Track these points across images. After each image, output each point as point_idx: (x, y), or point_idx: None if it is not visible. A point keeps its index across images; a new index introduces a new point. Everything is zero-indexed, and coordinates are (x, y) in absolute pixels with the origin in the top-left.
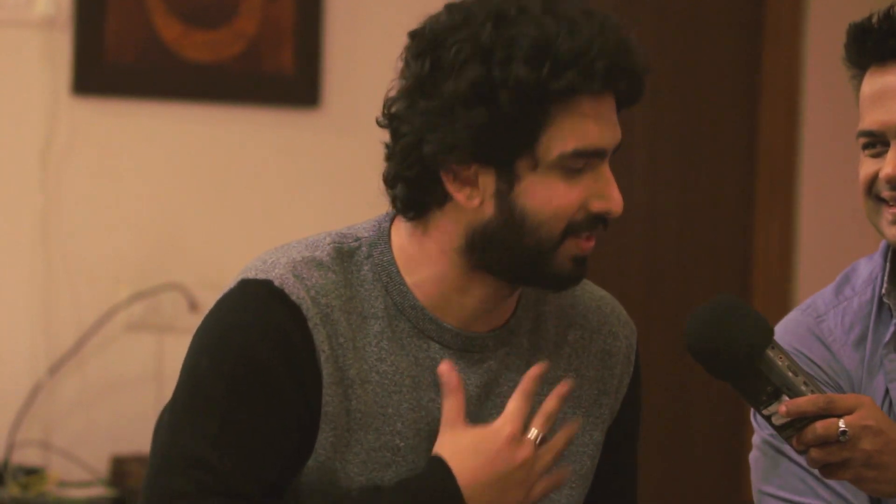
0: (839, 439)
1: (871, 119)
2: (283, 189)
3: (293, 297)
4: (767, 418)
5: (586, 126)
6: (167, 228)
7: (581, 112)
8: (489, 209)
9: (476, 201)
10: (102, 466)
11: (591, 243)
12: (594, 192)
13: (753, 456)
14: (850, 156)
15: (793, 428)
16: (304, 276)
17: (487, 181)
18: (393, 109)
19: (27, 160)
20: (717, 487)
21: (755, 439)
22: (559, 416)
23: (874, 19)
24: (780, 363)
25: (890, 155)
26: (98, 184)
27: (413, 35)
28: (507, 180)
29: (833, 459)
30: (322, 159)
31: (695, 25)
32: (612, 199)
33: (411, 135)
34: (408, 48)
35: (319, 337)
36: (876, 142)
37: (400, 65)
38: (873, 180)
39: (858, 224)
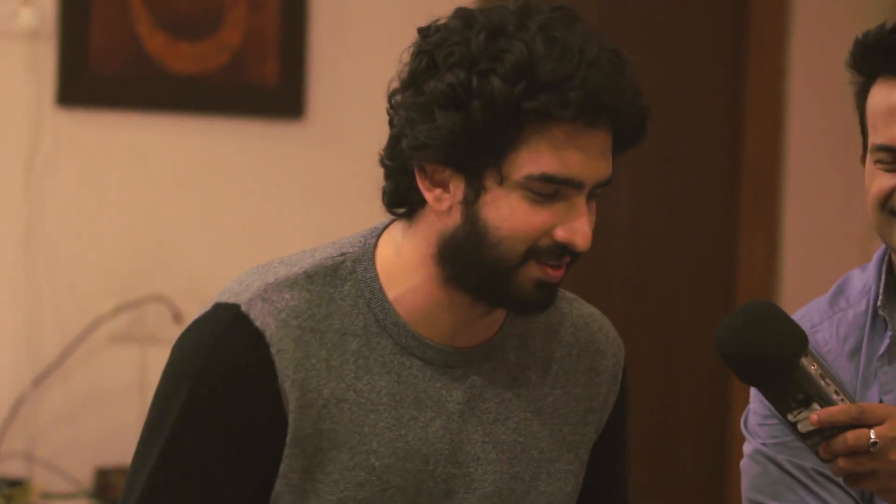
0: (869, 450)
1: (889, 134)
2: (268, 200)
3: (257, 323)
4: (793, 424)
5: (562, 153)
6: (151, 240)
7: (556, 138)
8: (456, 216)
9: (445, 204)
10: (86, 478)
11: (559, 273)
12: (562, 220)
13: (744, 465)
14: (834, 166)
15: (819, 436)
16: (275, 298)
17: (458, 187)
18: (392, 100)
19: (11, 171)
20: (702, 496)
21: (746, 448)
22: (547, 434)
23: (887, 28)
24: (812, 371)
25: None
26: (82, 195)
27: (420, 32)
28: (475, 189)
29: (861, 469)
30: (307, 171)
31: (679, 36)
32: (577, 233)
33: (398, 127)
34: (414, 43)
35: (283, 362)
36: (892, 158)
37: (406, 57)
38: (888, 195)
39: (843, 235)
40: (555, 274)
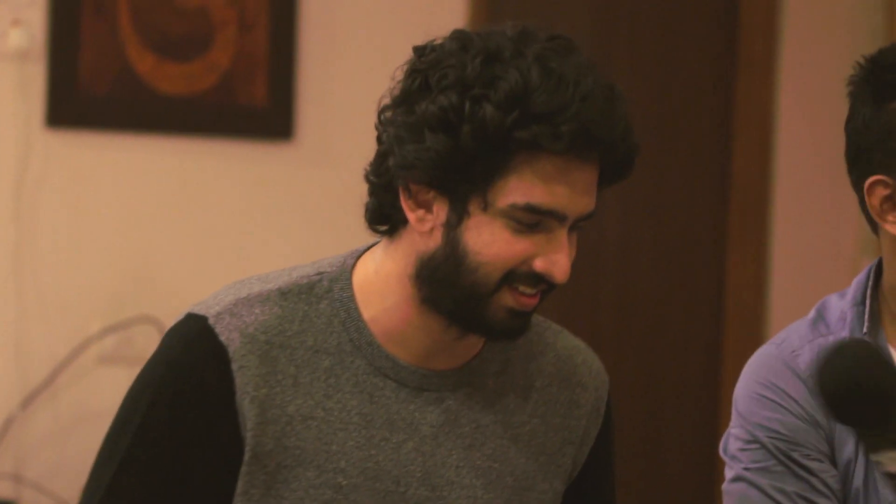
0: None
1: None
2: (257, 222)
3: (222, 338)
4: (879, 463)
5: (549, 185)
6: (140, 261)
7: (544, 170)
8: (437, 238)
9: (427, 226)
10: (74, 499)
11: (533, 301)
12: (542, 251)
13: (727, 489)
14: (823, 185)
15: None
16: (244, 313)
17: (441, 209)
18: (381, 116)
19: (0, 192)
20: None
21: (728, 473)
22: (523, 462)
23: None
24: None
25: None
26: (71, 216)
27: (416, 51)
28: (458, 213)
29: None
30: (295, 192)
31: (668, 55)
32: (556, 265)
33: (386, 144)
34: (409, 62)
35: (244, 378)
36: None
37: (399, 74)
38: None
39: (831, 253)
40: (528, 302)
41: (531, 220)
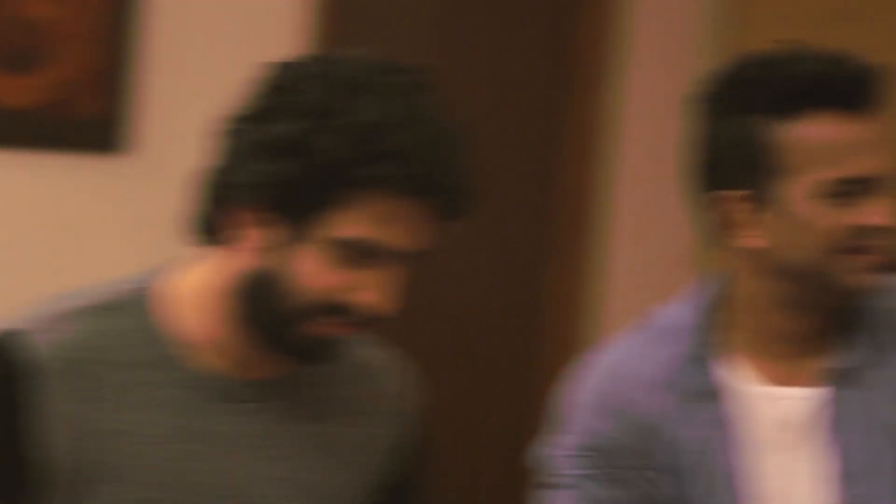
0: None
1: (861, 166)
2: (92, 235)
3: (30, 354)
4: None
5: (383, 222)
6: None
7: (382, 207)
8: (262, 257)
9: (253, 244)
10: None
11: (351, 331)
12: (369, 285)
13: (548, 495)
14: (650, 210)
15: None
16: (54, 329)
17: (271, 230)
18: (228, 125)
19: None
20: None
21: (551, 479)
22: (335, 472)
23: (809, 61)
24: None
25: (880, 202)
26: None
27: (276, 66)
28: (287, 237)
29: None
30: (132, 205)
31: (501, 64)
32: (381, 300)
33: (226, 155)
34: (266, 76)
35: (52, 396)
36: (852, 190)
37: (254, 85)
38: (854, 230)
39: (656, 273)
40: (345, 332)
41: (360, 254)
